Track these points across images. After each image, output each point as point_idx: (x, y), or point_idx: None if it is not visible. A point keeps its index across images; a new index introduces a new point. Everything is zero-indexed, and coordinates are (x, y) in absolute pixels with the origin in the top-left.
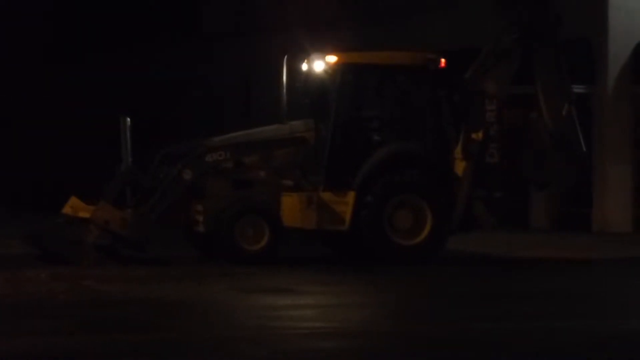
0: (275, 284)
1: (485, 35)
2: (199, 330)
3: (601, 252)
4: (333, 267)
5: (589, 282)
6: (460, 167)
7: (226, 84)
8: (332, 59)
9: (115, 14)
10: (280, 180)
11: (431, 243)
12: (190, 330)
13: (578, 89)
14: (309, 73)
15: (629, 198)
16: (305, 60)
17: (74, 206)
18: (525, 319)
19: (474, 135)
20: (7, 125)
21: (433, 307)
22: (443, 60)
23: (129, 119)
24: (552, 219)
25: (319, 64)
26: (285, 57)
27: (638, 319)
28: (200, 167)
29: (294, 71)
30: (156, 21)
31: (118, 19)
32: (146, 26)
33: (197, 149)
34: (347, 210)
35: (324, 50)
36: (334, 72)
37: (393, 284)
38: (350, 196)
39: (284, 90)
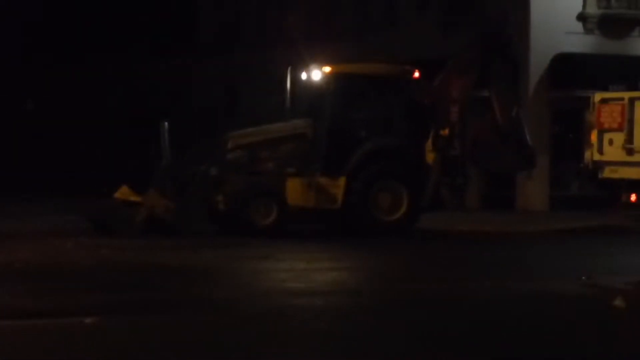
0: (270, 252)
1: (433, 50)
2: (195, 291)
3: (522, 226)
4: (325, 239)
5: (512, 250)
6: (430, 157)
7: (214, 90)
8: (327, 69)
9: (118, 23)
10: (285, 168)
11: (407, 219)
12: (187, 291)
13: None
14: (308, 80)
15: (546, 183)
16: (305, 70)
17: (124, 192)
18: (458, 281)
19: (441, 132)
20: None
21: (390, 270)
22: (417, 71)
23: (167, 124)
24: (482, 200)
25: (316, 73)
26: (289, 68)
27: (549, 280)
28: (224, 164)
29: (295, 79)
30: (155, 33)
31: (122, 35)
32: (145, 38)
33: (220, 149)
34: (339, 192)
35: (320, 62)
36: (328, 79)
37: (357, 253)
38: (342, 181)
39: (288, 94)
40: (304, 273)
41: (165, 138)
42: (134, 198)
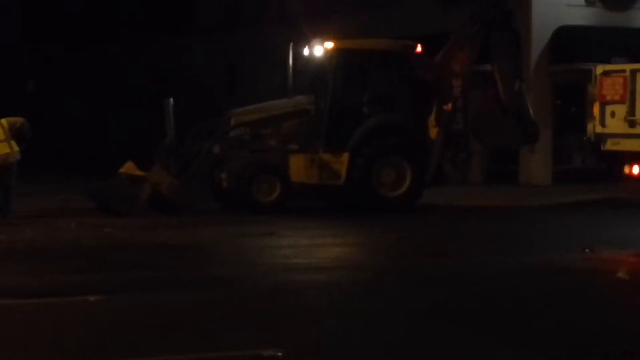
0: (273, 228)
1: (435, 25)
2: (198, 268)
3: (526, 200)
4: (328, 215)
5: (515, 224)
6: (433, 132)
7: (214, 68)
8: (329, 45)
9: (120, 9)
10: (288, 145)
11: (410, 194)
12: (190, 268)
13: None
14: (310, 56)
15: (549, 156)
16: (307, 46)
17: (129, 168)
18: (461, 257)
19: (444, 107)
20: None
21: (393, 245)
22: (419, 46)
23: (172, 100)
24: (485, 175)
25: (319, 49)
26: (291, 44)
27: (553, 254)
28: (226, 142)
29: (297, 55)
30: (155, 15)
31: (122, 14)
32: (146, 19)
33: (223, 126)
34: (343, 168)
35: (322, 38)
36: (330, 55)
37: (360, 229)
38: (345, 157)
39: (290, 70)
40: (307, 249)
41: (169, 114)
42: (139, 173)
